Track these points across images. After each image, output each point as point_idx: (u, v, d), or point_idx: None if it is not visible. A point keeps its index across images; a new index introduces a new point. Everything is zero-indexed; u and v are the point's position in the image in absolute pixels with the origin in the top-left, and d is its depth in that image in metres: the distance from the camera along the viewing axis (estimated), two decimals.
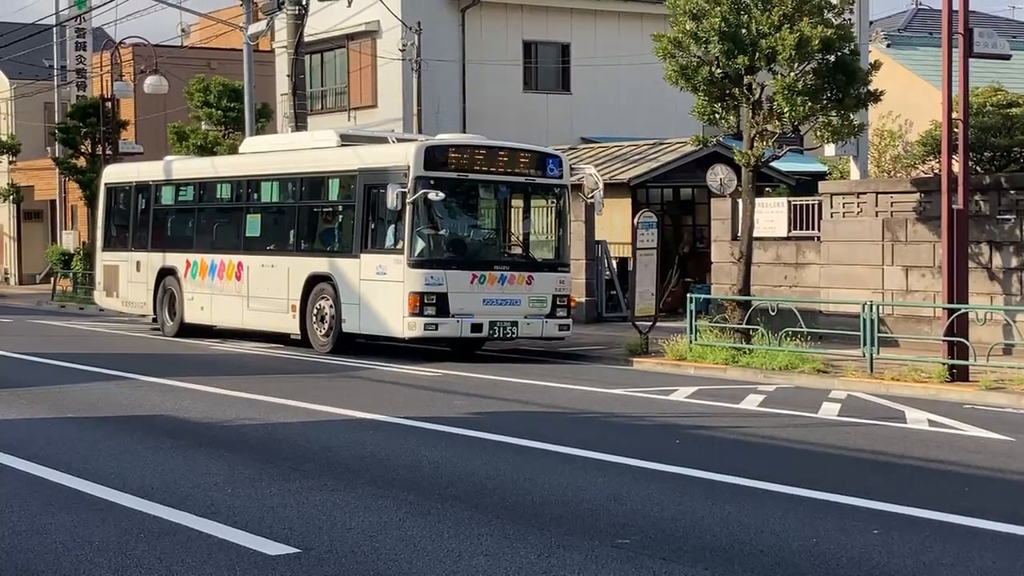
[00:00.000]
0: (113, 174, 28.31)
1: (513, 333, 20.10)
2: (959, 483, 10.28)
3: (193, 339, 23.71)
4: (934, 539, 8.09)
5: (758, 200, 22.16)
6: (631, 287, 20.91)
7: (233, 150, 31.06)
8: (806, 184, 27.59)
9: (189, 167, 26.32)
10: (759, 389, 16.54)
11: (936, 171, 23.06)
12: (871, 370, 17.24)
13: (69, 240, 44.54)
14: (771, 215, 23.55)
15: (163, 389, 15.96)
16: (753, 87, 19.56)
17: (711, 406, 14.90)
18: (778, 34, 18.74)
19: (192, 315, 24.20)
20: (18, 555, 7.50)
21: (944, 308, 17.21)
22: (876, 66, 20.26)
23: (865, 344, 17.42)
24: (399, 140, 21.98)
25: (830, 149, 23.91)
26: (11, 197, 50.11)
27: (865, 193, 22.48)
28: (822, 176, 29.66)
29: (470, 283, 19.71)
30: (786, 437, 12.61)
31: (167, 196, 25.97)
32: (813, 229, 23.15)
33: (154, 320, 25.68)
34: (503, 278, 20.03)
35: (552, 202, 21.15)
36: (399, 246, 19.63)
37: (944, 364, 16.71)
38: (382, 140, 22.20)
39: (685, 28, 19.48)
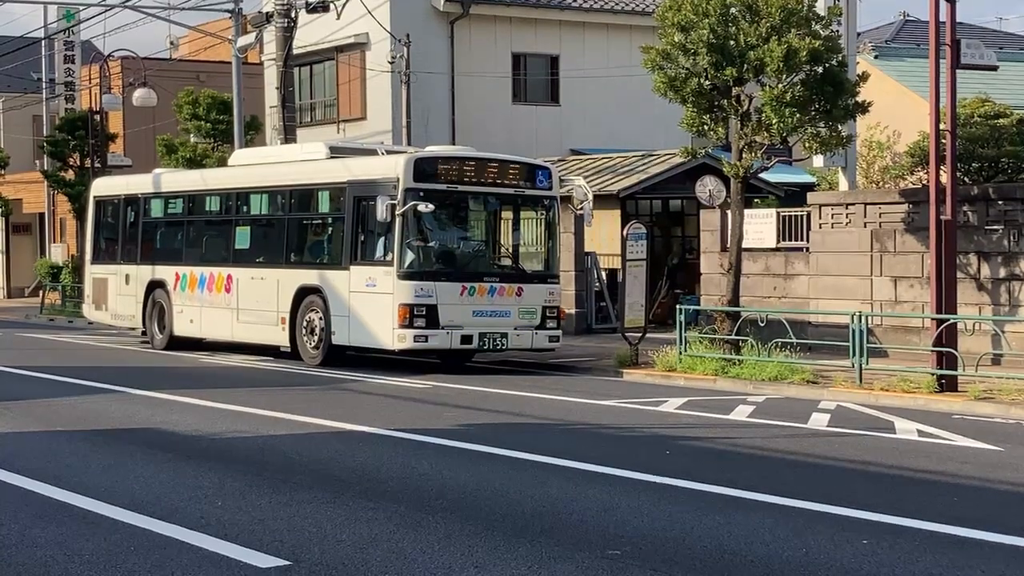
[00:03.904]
0: (102, 187, 28.28)
1: (503, 345, 20.10)
2: (948, 493, 10.30)
3: (182, 352, 23.67)
4: (923, 549, 8.11)
5: (747, 211, 22.20)
6: (620, 298, 20.93)
7: (222, 162, 31.05)
8: (795, 195, 27.65)
9: (178, 180, 26.30)
10: (749, 400, 16.56)
11: (924, 182, 23.15)
12: (860, 381, 17.27)
13: (58, 253, 44.45)
14: (760, 226, 23.59)
15: (152, 402, 15.93)
16: (741, 99, 19.60)
17: (701, 417, 14.91)
18: (766, 46, 18.79)
19: (181, 328, 24.16)
20: (7, 569, 7.48)
21: (933, 319, 17.25)
22: (864, 77, 20.32)
23: (854, 355, 17.45)
24: (388, 152, 21.97)
25: (818, 160, 23.95)
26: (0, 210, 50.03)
27: (853, 204, 22.53)
28: (811, 187, 29.74)
29: (460, 295, 19.72)
30: (776, 448, 12.62)
31: (156, 209, 25.94)
32: (802, 240, 23.19)
33: (143, 333, 25.64)
34: (493, 290, 20.03)
35: (542, 214, 21.16)
36: (389, 258, 19.63)
37: (933, 374, 16.74)
38: (371, 152, 22.20)
39: (673, 40, 19.52)
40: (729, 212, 21.58)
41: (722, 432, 13.74)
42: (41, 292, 41.05)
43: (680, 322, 19.63)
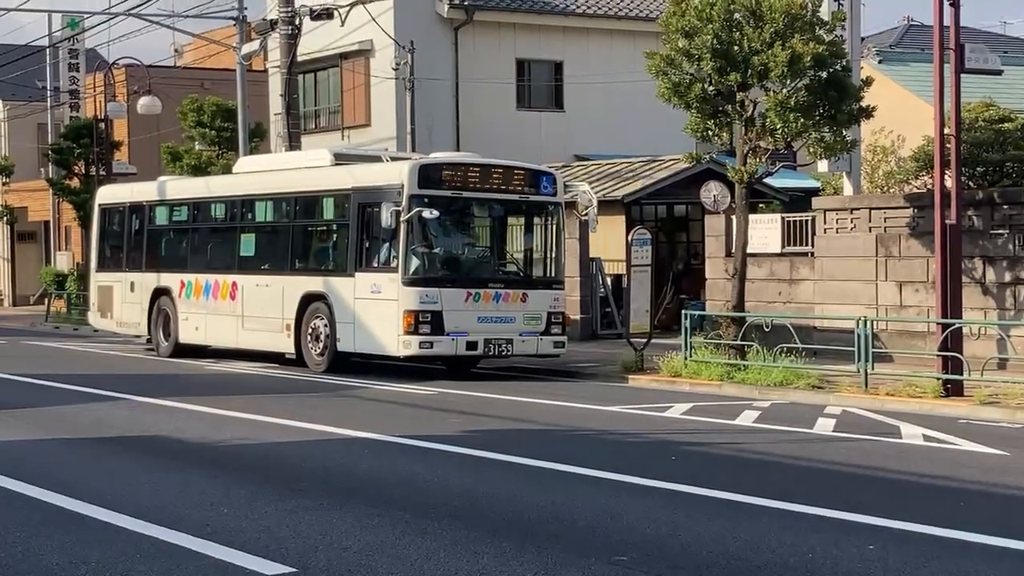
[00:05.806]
0: (107, 195, 28.30)
1: (508, 351, 20.10)
2: (954, 497, 10.29)
3: (188, 359, 23.67)
4: (929, 554, 8.10)
5: (752, 216, 22.19)
6: (626, 304, 20.93)
7: (227, 170, 31.09)
8: (799, 200, 27.64)
9: (183, 187, 26.33)
10: (754, 405, 16.54)
11: (929, 186, 23.09)
12: (866, 385, 17.25)
13: (63, 261, 44.54)
14: (765, 231, 23.58)
15: (158, 410, 15.94)
16: (746, 104, 19.59)
17: (706, 422, 14.90)
18: (770, 51, 18.78)
19: (187, 335, 24.18)
20: None
21: (938, 323, 17.23)
22: (868, 82, 20.32)
23: (860, 360, 17.43)
24: (393, 159, 21.99)
25: (823, 165, 23.94)
26: (4, 218, 50.10)
27: (858, 209, 22.52)
28: (815, 192, 29.70)
29: (465, 301, 19.71)
30: (781, 453, 12.61)
31: (161, 216, 25.97)
32: (807, 245, 23.18)
33: (148, 341, 25.65)
34: (498, 296, 20.03)
35: (546, 219, 21.14)
36: (394, 264, 19.64)
37: (938, 379, 16.72)
38: (376, 159, 22.22)
39: (677, 46, 19.52)
40: (734, 217, 21.57)
41: (728, 437, 13.74)
42: (46, 300, 41.10)
43: (685, 327, 19.61)
